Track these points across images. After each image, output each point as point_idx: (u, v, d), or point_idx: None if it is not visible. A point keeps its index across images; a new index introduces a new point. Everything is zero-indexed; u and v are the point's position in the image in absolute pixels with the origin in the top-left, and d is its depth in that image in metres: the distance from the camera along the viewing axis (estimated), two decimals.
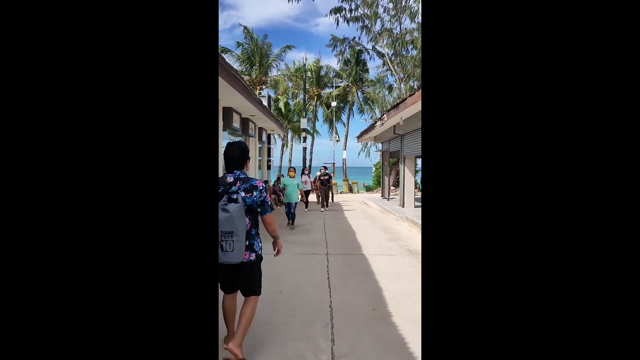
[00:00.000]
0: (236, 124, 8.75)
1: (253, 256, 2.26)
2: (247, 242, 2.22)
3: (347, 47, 25.20)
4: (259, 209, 2.27)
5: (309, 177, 10.75)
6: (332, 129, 26.06)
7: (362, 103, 25.98)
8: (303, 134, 19.69)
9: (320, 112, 27.14)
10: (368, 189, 21.92)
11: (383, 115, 9.88)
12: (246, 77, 22.19)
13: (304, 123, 18.78)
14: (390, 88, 24.56)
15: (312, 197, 12.34)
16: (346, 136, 26.72)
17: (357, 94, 25.80)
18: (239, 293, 2.35)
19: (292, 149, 27.45)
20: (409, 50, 21.55)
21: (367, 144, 25.63)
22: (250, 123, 10.08)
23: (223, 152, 2.31)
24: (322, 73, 26.66)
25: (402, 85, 22.11)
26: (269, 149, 14.50)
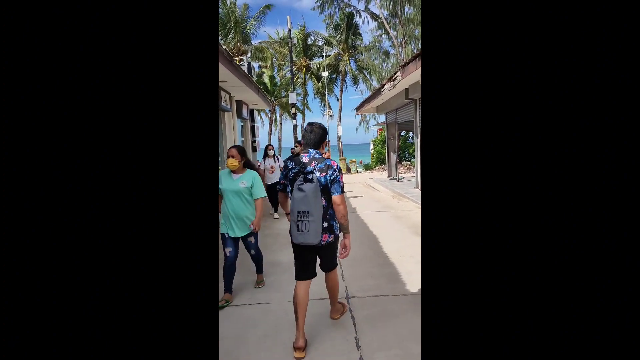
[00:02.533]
0: None
1: (332, 237, 2.23)
2: (326, 223, 2.20)
3: (336, 10, 22.48)
4: (330, 189, 2.20)
5: (278, 160, 6.59)
6: (325, 103, 23.63)
7: (356, 72, 23.48)
8: (292, 110, 17.35)
9: (310, 85, 24.58)
10: (367, 167, 19.76)
11: (396, 73, 7.59)
12: (224, 47, 19.45)
13: (292, 97, 16.50)
14: (386, 54, 22.07)
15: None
16: (340, 110, 24.31)
17: (350, 63, 23.24)
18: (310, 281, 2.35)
19: (281, 128, 25.00)
20: (405, 10, 18.99)
21: (366, 116, 23.34)
22: (223, 93, 7.73)
23: (302, 130, 2.35)
24: (310, 41, 23.95)
25: (401, 50, 19.66)
26: (252, 128, 12.14)
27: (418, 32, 18.02)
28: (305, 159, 2.22)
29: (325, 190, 2.17)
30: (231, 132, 9.16)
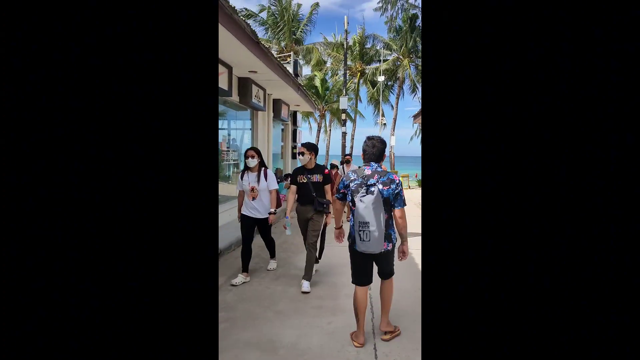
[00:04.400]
0: (222, 84, 5.20)
1: (390, 246, 2.35)
2: (386, 231, 2.29)
3: (399, 10, 20.83)
4: (392, 202, 2.29)
5: (267, 176, 3.58)
6: (378, 110, 21.95)
7: (415, 80, 21.52)
8: (342, 116, 15.98)
9: (364, 91, 23.05)
10: (420, 183, 17.68)
11: None
12: (275, 47, 18.62)
13: (343, 102, 15.15)
14: None
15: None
16: (394, 120, 22.44)
17: (410, 69, 21.35)
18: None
19: (330, 135, 23.67)
20: None
21: None
22: (255, 88, 6.47)
23: (363, 144, 2.42)
24: (368, 45, 22.48)
25: None
26: (294, 132, 10.88)
27: None
28: (367, 171, 2.32)
29: (387, 202, 2.28)
30: (264, 133, 7.87)
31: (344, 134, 16.67)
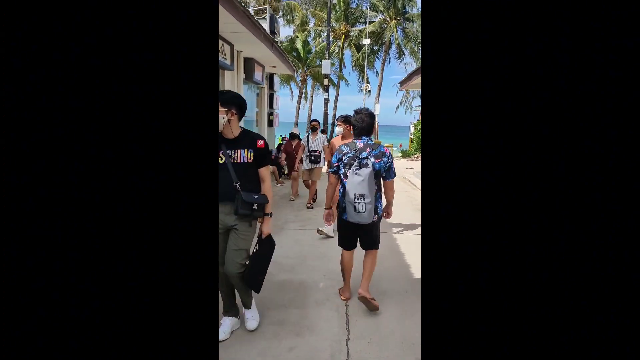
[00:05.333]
0: None
1: (375, 217, 2.45)
2: (374, 203, 2.41)
3: None
4: (383, 174, 2.43)
5: None
6: (363, 76, 20.95)
7: (402, 45, 20.47)
8: (325, 81, 15.05)
9: (348, 55, 21.92)
10: (404, 154, 17.15)
11: None
12: (252, 3, 17.11)
13: (326, 67, 14.31)
14: None
15: None
16: (379, 87, 21.64)
17: (397, 32, 20.22)
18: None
19: (312, 102, 22.63)
20: None
21: (410, 94, 20.58)
22: (220, 42, 5.56)
23: (352, 118, 2.50)
24: (353, 5, 21.09)
25: None
26: (271, 97, 9.97)
27: None
28: (359, 144, 2.40)
29: (377, 175, 2.38)
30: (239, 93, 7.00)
31: (327, 101, 15.80)
